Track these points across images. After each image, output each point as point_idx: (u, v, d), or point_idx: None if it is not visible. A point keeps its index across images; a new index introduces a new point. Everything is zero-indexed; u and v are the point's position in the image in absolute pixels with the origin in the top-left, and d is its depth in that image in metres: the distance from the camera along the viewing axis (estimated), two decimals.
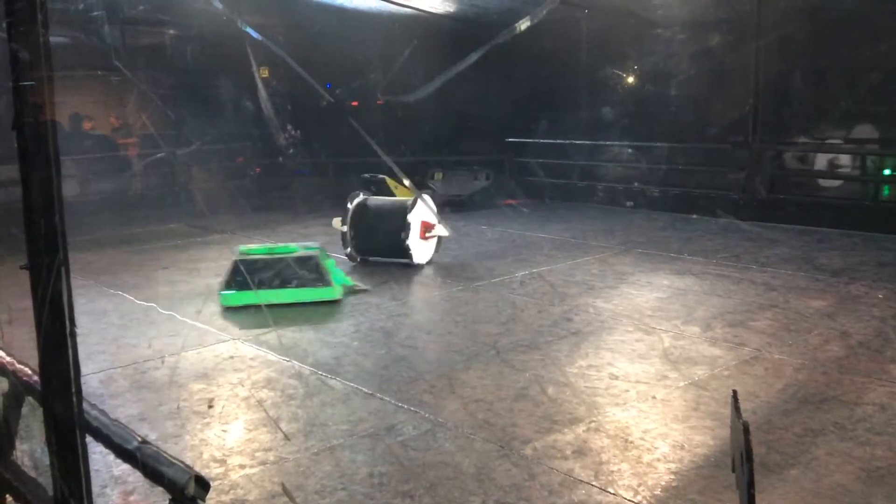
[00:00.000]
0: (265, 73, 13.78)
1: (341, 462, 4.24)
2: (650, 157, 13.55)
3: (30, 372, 2.93)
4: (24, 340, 2.49)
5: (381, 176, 10.48)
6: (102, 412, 2.67)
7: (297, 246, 8.10)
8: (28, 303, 2.13)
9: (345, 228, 9.09)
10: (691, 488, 3.89)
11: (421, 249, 8.96)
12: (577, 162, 14.41)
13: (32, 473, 3.00)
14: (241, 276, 7.32)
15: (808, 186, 11.95)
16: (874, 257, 9.03)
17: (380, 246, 9.06)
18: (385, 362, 5.85)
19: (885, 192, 11.02)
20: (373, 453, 4.34)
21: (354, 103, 15.26)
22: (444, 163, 14.13)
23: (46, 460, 2.32)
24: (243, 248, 7.96)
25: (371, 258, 9.21)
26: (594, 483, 3.95)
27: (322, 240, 10.83)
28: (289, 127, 13.77)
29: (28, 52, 1.98)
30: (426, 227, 8.99)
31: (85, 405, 2.28)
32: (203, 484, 2.27)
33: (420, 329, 6.66)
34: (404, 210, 8.80)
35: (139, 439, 2.50)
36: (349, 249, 9.18)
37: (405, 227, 8.71)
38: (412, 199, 9.07)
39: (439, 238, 9.21)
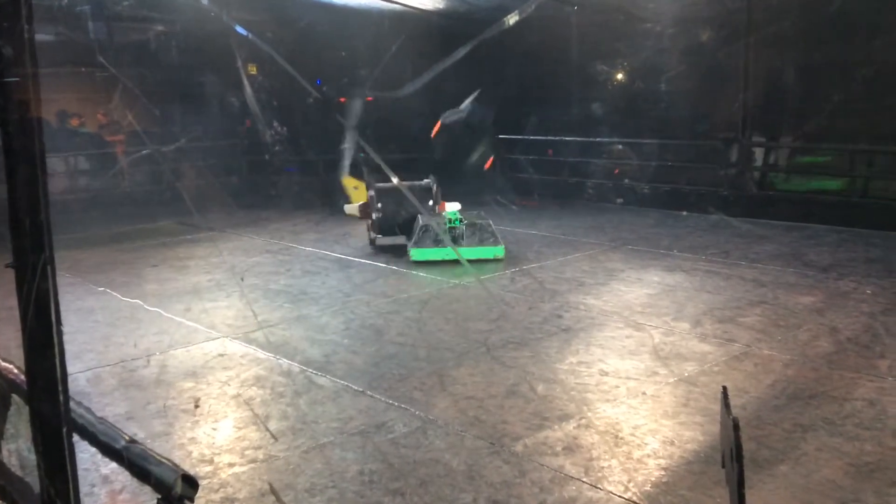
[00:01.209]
0: (253, 69, 13.72)
1: (331, 460, 4.22)
2: (640, 154, 13.57)
3: (16, 371, 2.91)
4: (10, 339, 2.47)
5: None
6: (89, 411, 2.65)
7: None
8: (14, 301, 2.10)
9: (376, 215, 9.70)
10: (681, 484, 3.89)
11: None
12: (567, 159, 14.42)
13: (19, 473, 2.98)
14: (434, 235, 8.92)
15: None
16: (863, 253, 9.08)
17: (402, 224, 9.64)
18: (375, 360, 5.83)
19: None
20: (363, 451, 4.33)
21: (342, 99, 15.20)
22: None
23: (33, 459, 2.30)
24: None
25: (385, 244, 9.60)
26: (584, 479, 3.95)
27: (312, 237, 10.83)
28: (275, 124, 13.71)
29: (12, 48, 1.95)
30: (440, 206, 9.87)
31: (72, 404, 2.26)
32: (192, 483, 2.26)
33: (410, 326, 6.65)
34: (429, 191, 9.99)
35: (127, 438, 2.48)
36: (376, 235, 9.65)
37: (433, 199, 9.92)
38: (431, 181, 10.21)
39: None
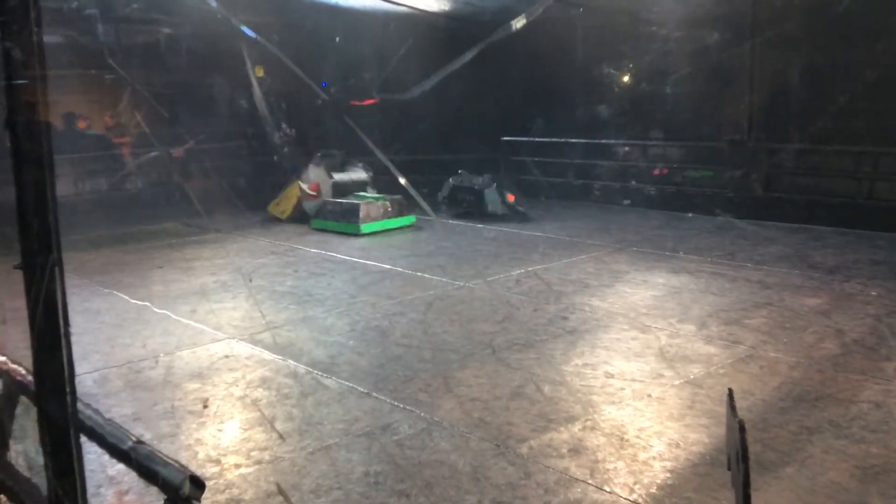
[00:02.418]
0: (260, 72, 13.73)
1: (337, 461, 4.23)
2: (646, 156, 13.56)
3: (24, 372, 2.93)
4: (18, 340, 2.48)
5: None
6: (97, 412, 2.66)
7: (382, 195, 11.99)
8: (22, 302, 2.12)
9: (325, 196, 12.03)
10: (687, 486, 3.89)
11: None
12: (572, 160, 14.41)
13: (27, 474, 3.00)
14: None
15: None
16: (868, 255, 9.05)
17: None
18: (380, 361, 5.84)
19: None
20: (368, 452, 4.33)
21: (357, 102, 15.21)
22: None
23: (40, 460, 2.31)
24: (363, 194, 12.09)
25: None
26: (590, 481, 3.95)
27: (317, 238, 10.84)
28: (283, 125, 13.72)
29: (21, 51, 1.97)
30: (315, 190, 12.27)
31: (79, 405, 2.27)
32: (198, 484, 2.27)
33: (415, 328, 6.66)
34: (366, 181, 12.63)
35: (134, 439, 2.50)
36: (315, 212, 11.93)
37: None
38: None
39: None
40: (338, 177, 12.30)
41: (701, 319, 6.70)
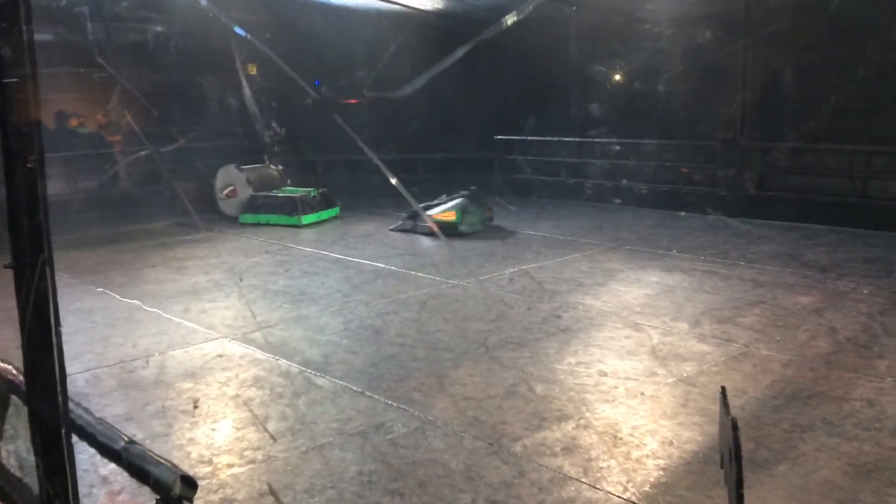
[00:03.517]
0: (253, 70, 13.72)
1: (330, 461, 4.22)
2: (639, 154, 13.58)
3: (15, 371, 2.91)
4: (9, 340, 2.47)
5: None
6: (88, 411, 2.65)
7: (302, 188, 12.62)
8: (13, 302, 2.11)
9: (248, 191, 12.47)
10: (680, 484, 3.90)
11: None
12: (565, 159, 14.42)
13: (18, 473, 2.98)
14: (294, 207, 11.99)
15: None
16: (861, 253, 9.08)
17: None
18: (374, 360, 5.83)
19: None
20: (362, 452, 4.33)
21: (348, 100, 15.21)
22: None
23: (32, 460, 2.30)
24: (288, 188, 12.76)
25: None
26: (583, 480, 3.95)
27: (310, 237, 10.82)
28: (274, 124, 13.72)
29: (11, 49, 1.96)
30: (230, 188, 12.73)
31: (71, 405, 2.26)
32: (190, 483, 2.26)
33: (409, 327, 6.65)
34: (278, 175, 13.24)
35: (126, 439, 2.49)
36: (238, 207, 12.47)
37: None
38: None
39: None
40: (250, 174, 12.77)
41: (694, 318, 6.72)
